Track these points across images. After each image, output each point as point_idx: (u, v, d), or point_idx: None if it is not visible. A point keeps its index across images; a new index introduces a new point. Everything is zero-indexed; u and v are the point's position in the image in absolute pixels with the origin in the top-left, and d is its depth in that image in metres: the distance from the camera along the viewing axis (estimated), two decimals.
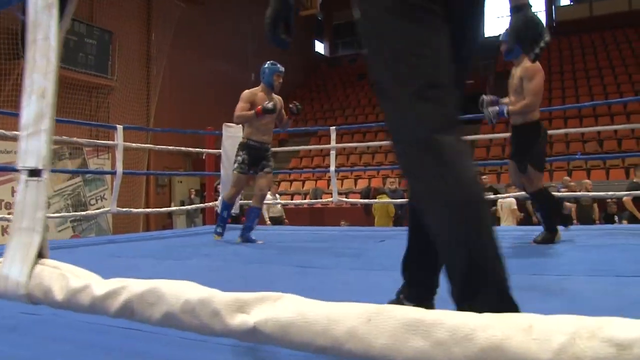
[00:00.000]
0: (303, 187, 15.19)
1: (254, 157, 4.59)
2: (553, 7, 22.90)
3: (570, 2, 23.64)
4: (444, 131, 1.10)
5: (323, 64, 25.53)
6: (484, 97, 3.91)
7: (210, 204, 7.02)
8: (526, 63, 3.61)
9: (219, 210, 5.11)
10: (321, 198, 11.76)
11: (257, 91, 4.59)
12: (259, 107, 4.44)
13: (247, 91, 4.59)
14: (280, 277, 2.67)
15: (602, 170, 12.60)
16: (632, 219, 8.34)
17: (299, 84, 22.78)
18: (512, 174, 4.01)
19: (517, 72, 3.77)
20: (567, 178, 10.38)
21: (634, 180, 7.81)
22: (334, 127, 6.75)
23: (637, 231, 4.69)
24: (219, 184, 6.71)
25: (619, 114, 14.42)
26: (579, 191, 8.69)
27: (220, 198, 5.91)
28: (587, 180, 9.71)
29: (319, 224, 10.92)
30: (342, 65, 24.95)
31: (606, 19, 20.94)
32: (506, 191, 9.20)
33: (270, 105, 4.42)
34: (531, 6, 1.27)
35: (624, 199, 8.28)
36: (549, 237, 3.83)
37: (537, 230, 4.09)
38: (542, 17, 22.98)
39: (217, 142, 6.96)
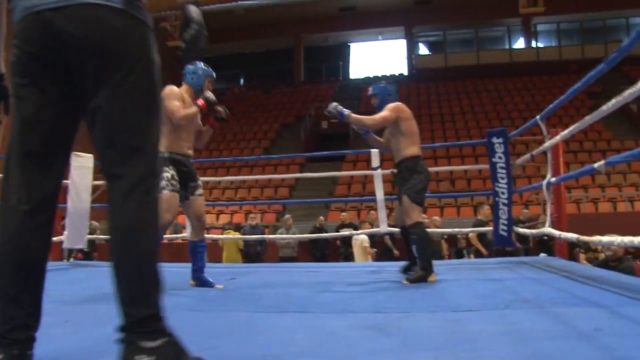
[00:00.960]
0: None
1: (181, 175, 3.55)
2: (413, 55, 24.33)
3: (429, 52, 25.32)
4: None
5: None
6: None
7: (55, 239, 6.38)
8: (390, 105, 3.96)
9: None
10: (181, 233, 11.27)
11: (183, 91, 3.62)
12: (200, 99, 3.55)
13: (173, 87, 3.55)
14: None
15: (454, 208, 13.35)
16: (478, 254, 8.84)
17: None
18: (397, 212, 4.13)
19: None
20: (423, 215, 10.83)
21: (479, 218, 8.27)
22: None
23: (480, 265, 4.88)
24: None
25: (468, 156, 15.47)
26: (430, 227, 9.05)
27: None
28: (436, 217, 10.15)
29: (178, 260, 10.38)
30: None
31: (459, 70, 22.64)
32: (360, 228, 9.39)
33: (212, 96, 3.61)
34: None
35: (470, 235, 8.76)
36: (423, 276, 3.61)
37: (392, 265, 4.07)
38: (404, 64, 24.44)
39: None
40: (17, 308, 1.37)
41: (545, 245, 9.18)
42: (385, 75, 25.08)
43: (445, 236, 9.72)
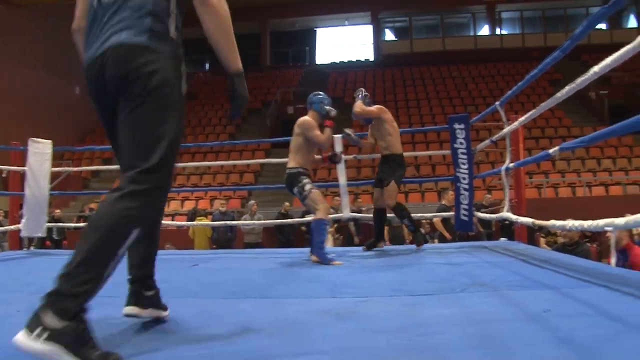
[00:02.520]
0: None
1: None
2: (379, 41, 24.38)
3: (395, 37, 25.40)
4: None
5: None
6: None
7: (13, 227, 6.21)
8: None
9: (320, 236, 4.27)
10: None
11: (313, 118, 4.50)
12: (329, 121, 4.51)
13: (310, 120, 4.45)
14: None
15: (418, 193, 13.48)
16: (442, 238, 8.96)
17: None
18: (376, 198, 4.96)
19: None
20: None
21: (443, 203, 8.37)
22: None
23: (442, 250, 4.94)
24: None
25: (433, 142, 15.62)
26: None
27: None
28: None
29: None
30: None
31: (424, 56, 22.79)
32: None
33: (334, 110, 4.57)
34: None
35: (434, 220, 8.87)
36: (421, 235, 5.00)
37: (354, 250, 4.07)
38: (370, 50, 24.48)
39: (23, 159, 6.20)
40: None
41: (507, 229, 9.37)
42: (352, 61, 25.10)
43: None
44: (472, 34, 24.30)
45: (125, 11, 1.68)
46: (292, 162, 4.46)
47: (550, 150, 3.08)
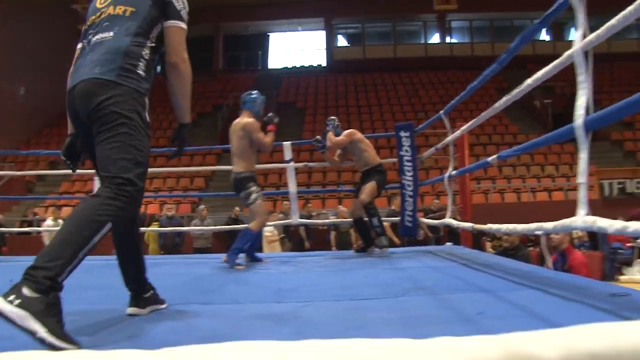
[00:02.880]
0: None
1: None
2: (332, 47, 24.57)
3: (347, 44, 25.65)
4: None
5: None
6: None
7: None
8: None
9: (239, 244, 4.35)
10: None
11: (248, 117, 4.56)
12: (272, 125, 4.62)
13: (253, 122, 4.50)
14: None
15: None
16: (391, 243, 9.09)
17: None
18: (352, 210, 5.26)
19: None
20: (340, 206, 11.04)
21: (392, 208, 8.51)
22: None
23: (390, 255, 5.03)
24: None
25: (383, 148, 15.83)
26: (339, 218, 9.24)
27: None
28: (342, 207, 10.34)
29: (91, 253, 9.95)
30: None
31: (376, 62, 23.10)
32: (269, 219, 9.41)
33: (275, 116, 4.71)
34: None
35: (385, 224, 9.00)
36: (387, 239, 5.09)
37: (303, 255, 4.12)
38: (323, 55, 24.62)
39: None
40: None
41: (454, 234, 9.59)
42: (304, 66, 25.20)
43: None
44: (423, 41, 24.77)
45: (104, 51, 2.02)
46: (238, 166, 4.46)
47: (489, 159, 3.20)
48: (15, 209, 14.79)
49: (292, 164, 5.65)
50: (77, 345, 1.55)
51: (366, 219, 5.08)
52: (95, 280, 3.49)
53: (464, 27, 24.90)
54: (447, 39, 24.49)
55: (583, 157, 1.98)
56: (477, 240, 9.12)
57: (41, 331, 1.51)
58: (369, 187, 4.93)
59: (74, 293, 1.92)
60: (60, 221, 11.26)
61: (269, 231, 9.75)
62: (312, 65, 25.23)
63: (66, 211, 14.02)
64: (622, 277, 9.90)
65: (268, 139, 4.49)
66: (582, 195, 2.00)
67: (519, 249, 6.24)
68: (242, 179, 4.42)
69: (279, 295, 2.73)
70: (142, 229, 8.82)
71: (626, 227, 1.70)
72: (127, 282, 2.28)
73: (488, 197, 13.82)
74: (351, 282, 3.18)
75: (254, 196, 4.40)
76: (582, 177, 2.00)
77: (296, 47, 25.98)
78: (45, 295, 1.57)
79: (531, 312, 1.99)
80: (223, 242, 11.06)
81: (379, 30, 25.08)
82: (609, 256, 10.22)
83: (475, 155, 13.16)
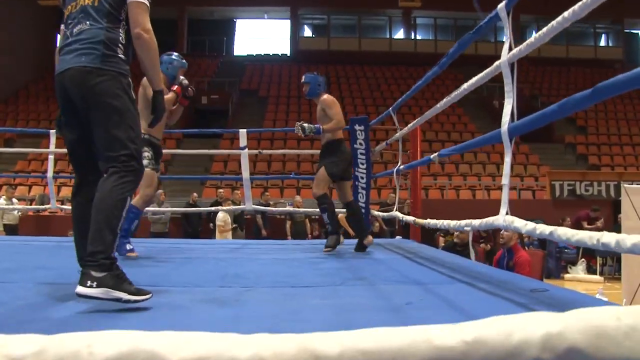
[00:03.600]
0: (29, 192, 13.74)
1: (156, 155, 4.01)
2: (297, 36, 24.57)
3: (312, 34, 25.67)
4: None
5: None
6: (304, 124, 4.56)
7: None
8: (322, 97, 4.50)
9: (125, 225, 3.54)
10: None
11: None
12: (175, 85, 3.98)
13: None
14: None
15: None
16: (347, 235, 9.26)
17: (34, 79, 20.68)
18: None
19: (318, 105, 4.55)
20: (297, 196, 11.16)
21: (387, 201, 8.66)
22: (54, 131, 6.13)
23: (339, 247, 5.17)
24: None
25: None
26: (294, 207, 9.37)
27: None
28: (298, 197, 10.48)
29: (44, 234, 9.84)
30: None
31: (341, 55, 23.20)
32: (223, 206, 9.47)
33: (186, 81, 4.06)
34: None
35: (339, 216, 9.15)
36: (337, 240, 4.45)
37: (256, 242, 4.21)
38: (287, 45, 24.59)
39: None
40: None
41: (407, 228, 9.81)
42: (269, 55, 25.15)
43: (315, 216, 10.10)
44: (388, 36, 24.98)
45: (85, 42, 2.19)
46: None
47: (432, 156, 3.37)
48: None
49: (246, 150, 5.73)
50: (149, 294, 2.00)
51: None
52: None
53: (429, 25, 25.22)
54: (412, 35, 24.76)
55: (507, 160, 2.14)
56: (430, 234, 9.38)
57: (124, 296, 1.93)
58: (319, 176, 4.46)
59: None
60: (15, 200, 11.09)
61: (221, 220, 9.82)
62: (276, 54, 25.21)
63: (21, 190, 13.79)
64: (566, 276, 10.35)
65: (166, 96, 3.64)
66: (505, 195, 2.16)
67: (467, 246, 6.47)
68: None
69: (224, 281, 2.84)
70: None
71: (535, 228, 1.86)
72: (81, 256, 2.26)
73: (444, 194, 14.14)
74: (294, 270, 3.30)
75: (144, 162, 3.47)
76: (505, 179, 2.16)
77: (261, 35, 25.89)
78: (110, 270, 1.95)
79: (453, 305, 2.14)
80: (180, 228, 11.09)
81: (344, 22, 25.19)
82: (555, 255, 10.66)
83: (434, 151, 13.37)
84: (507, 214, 2.16)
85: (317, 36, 25.41)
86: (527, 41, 2.12)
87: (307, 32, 25.69)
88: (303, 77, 4.69)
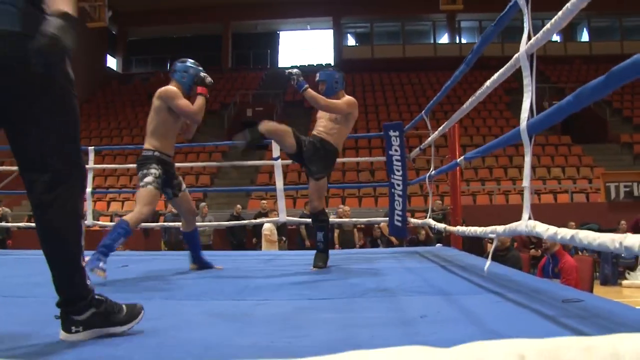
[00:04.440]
0: None
1: (168, 174, 3.71)
2: (340, 46, 24.56)
3: (356, 43, 25.62)
4: None
5: (114, 80, 24.28)
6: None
7: None
8: (343, 98, 4.04)
9: (108, 240, 3.29)
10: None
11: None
12: (202, 88, 3.69)
13: (174, 88, 3.64)
14: None
15: (372, 198, 13.65)
16: (389, 243, 9.11)
17: (86, 99, 21.39)
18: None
19: None
20: (342, 205, 11.06)
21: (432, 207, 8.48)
22: (93, 147, 6.24)
23: (372, 255, 5.04)
24: None
25: (376, 148, 15.85)
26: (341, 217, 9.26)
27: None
28: (346, 207, 10.35)
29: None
30: (133, 83, 23.97)
31: (385, 62, 23.04)
32: (269, 217, 9.42)
33: (210, 79, 3.76)
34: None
35: (381, 225, 9.01)
36: (327, 258, 3.87)
37: (292, 254, 4.15)
38: (331, 54, 24.62)
39: None
40: None
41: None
42: (313, 65, 25.21)
43: (361, 225, 9.97)
44: (432, 41, 24.67)
45: None
46: (147, 144, 3.69)
47: (458, 160, 3.20)
48: (25, 203, 14.92)
49: (279, 161, 5.67)
50: (141, 312, 1.81)
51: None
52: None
53: (474, 28, 24.74)
54: (457, 39, 24.36)
55: (527, 160, 1.97)
56: (479, 241, 9.10)
57: (117, 330, 1.75)
58: (321, 185, 3.95)
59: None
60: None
61: (267, 229, 9.78)
62: (320, 64, 25.24)
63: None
64: (624, 282, 9.82)
65: (194, 106, 3.63)
66: (526, 199, 1.99)
67: (509, 250, 6.22)
68: (145, 157, 3.65)
69: (243, 293, 2.76)
70: (149, 224, 8.90)
71: (557, 233, 1.70)
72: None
73: (476, 199, 13.78)
74: (319, 282, 3.19)
75: (148, 179, 3.55)
76: (526, 181, 1.99)
77: (305, 46, 26.02)
78: (92, 307, 1.70)
79: (471, 317, 1.98)
80: (225, 240, 11.15)
81: (387, 29, 25.02)
82: (611, 260, 10.13)
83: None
84: (529, 218, 1.99)
85: (360, 44, 25.33)
86: (544, 28, 1.96)
87: (351, 40, 25.65)
88: (317, 74, 4.20)
